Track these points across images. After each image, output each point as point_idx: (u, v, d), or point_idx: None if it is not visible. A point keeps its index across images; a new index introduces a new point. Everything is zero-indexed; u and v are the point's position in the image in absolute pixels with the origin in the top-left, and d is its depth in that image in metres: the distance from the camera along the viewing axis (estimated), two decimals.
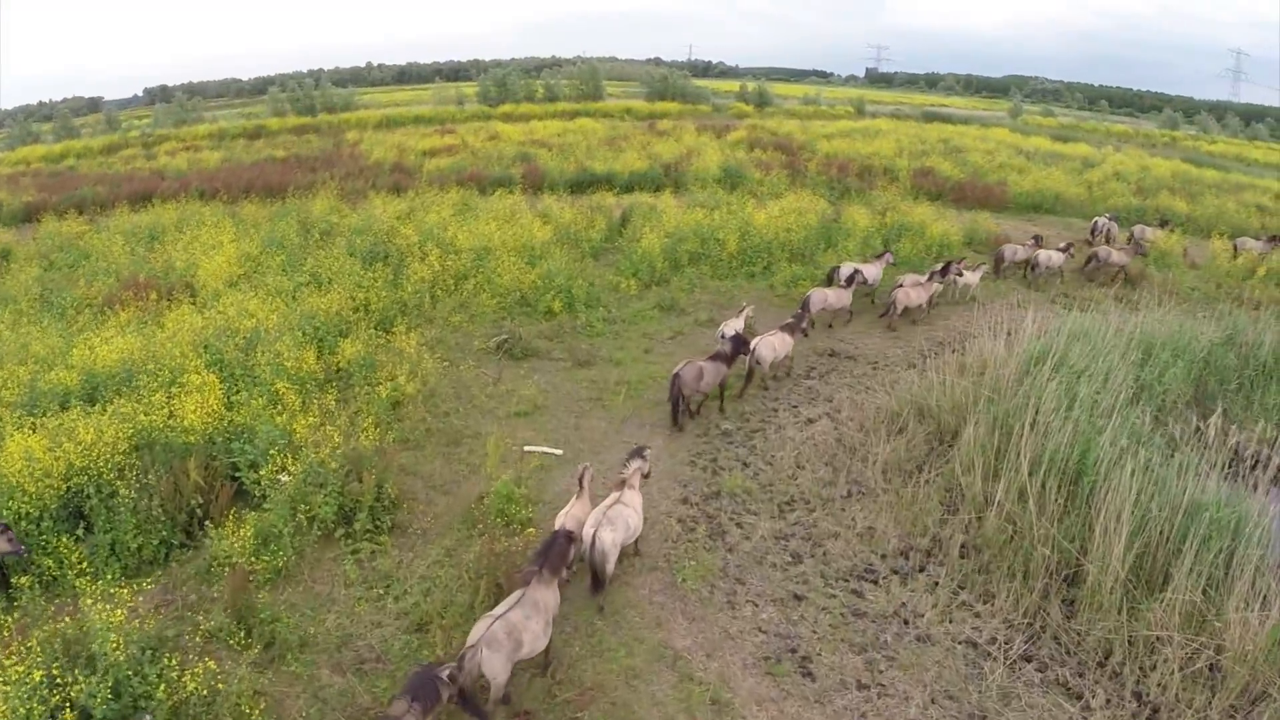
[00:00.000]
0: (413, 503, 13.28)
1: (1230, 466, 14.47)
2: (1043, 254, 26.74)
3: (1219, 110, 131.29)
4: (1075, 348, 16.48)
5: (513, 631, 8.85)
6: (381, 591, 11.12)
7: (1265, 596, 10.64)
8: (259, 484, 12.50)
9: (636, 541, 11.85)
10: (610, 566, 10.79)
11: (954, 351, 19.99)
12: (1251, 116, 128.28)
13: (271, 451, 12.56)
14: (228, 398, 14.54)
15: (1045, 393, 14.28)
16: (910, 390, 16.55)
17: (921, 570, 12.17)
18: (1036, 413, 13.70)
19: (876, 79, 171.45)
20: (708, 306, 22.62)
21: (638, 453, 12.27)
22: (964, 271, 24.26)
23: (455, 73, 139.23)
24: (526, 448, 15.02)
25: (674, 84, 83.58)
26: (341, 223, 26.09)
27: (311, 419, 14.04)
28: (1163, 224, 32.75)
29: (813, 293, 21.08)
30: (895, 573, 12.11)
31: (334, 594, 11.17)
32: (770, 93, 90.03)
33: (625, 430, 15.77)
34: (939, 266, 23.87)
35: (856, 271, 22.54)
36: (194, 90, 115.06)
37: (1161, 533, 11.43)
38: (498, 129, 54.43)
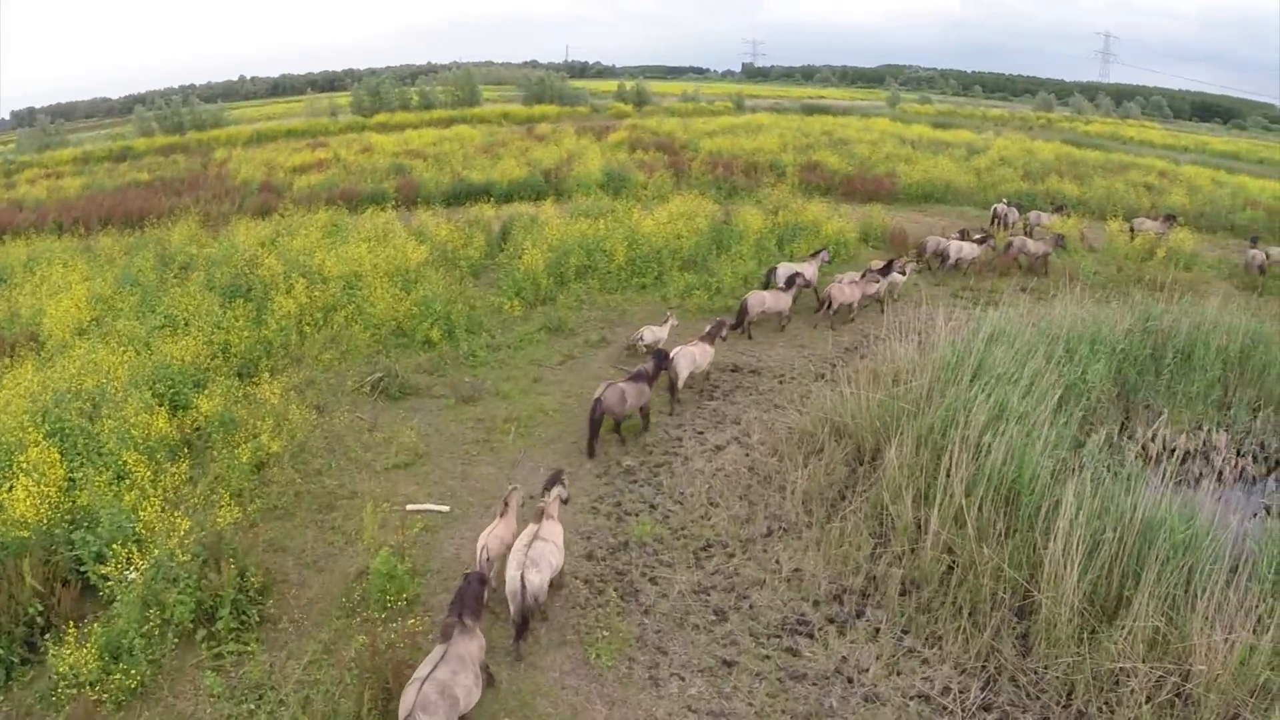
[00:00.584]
0: (283, 586, 11.68)
1: (1158, 463, 14.09)
2: (954, 245, 26.66)
3: (1090, 91, 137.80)
4: (994, 350, 15.96)
5: (445, 690, 8.28)
6: (253, 707, 9.55)
7: (1228, 612, 10.10)
8: (107, 580, 10.76)
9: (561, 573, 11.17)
10: (537, 608, 10.37)
11: (863, 358, 19.44)
12: (1122, 96, 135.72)
13: (114, 545, 10.81)
14: (69, 475, 12.66)
15: (973, 404, 13.62)
16: (823, 406, 15.74)
17: (859, 616, 11.27)
18: (965, 426, 13.01)
19: (753, 73, 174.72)
20: (598, 325, 21.53)
21: (555, 479, 11.74)
22: (906, 269, 24.27)
23: (331, 83, 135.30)
24: (409, 507, 13.59)
25: (551, 86, 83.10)
26: (201, 254, 24.01)
27: (163, 495, 12.31)
28: (1058, 209, 33.21)
29: (750, 296, 20.76)
30: (831, 621, 11.17)
31: (198, 713, 9.58)
32: (649, 91, 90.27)
33: (517, 475, 14.49)
34: (880, 264, 23.74)
35: (798, 274, 22.18)
36: (61, 112, 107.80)
37: (1115, 555, 10.80)
38: (371, 140, 52.53)
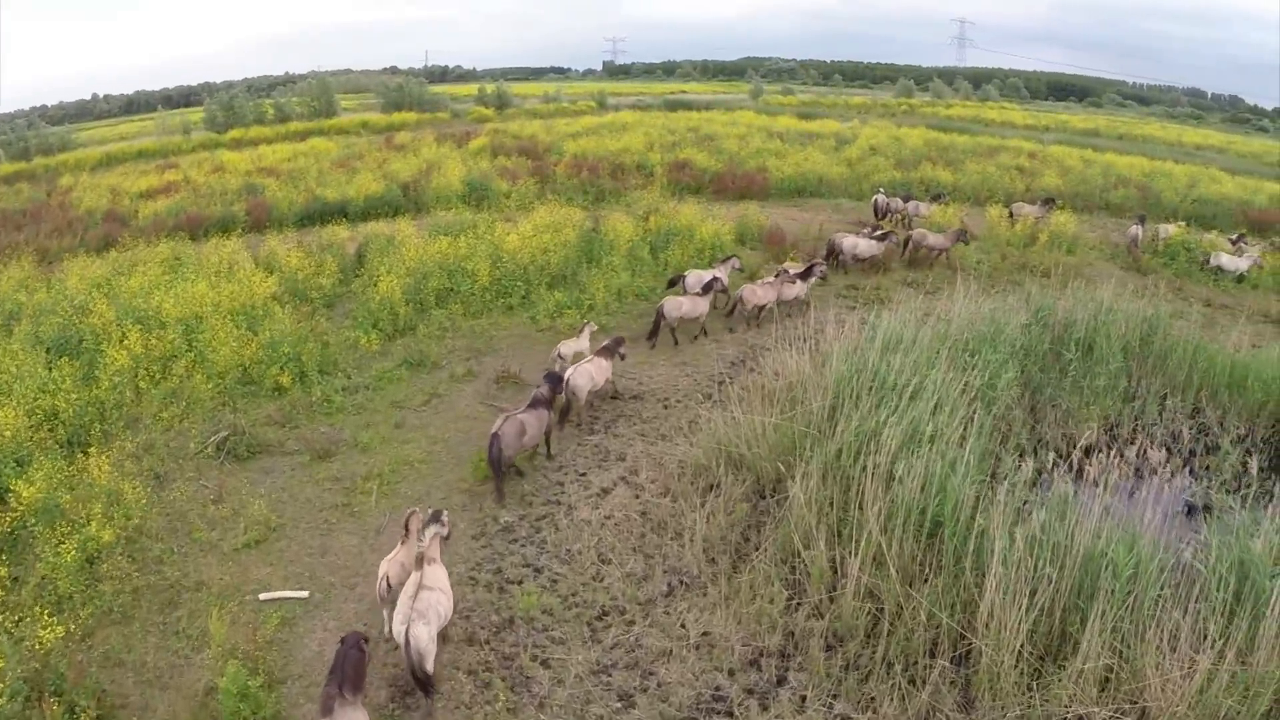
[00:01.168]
0: (123, 713, 9.92)
1: (1079, 475, 13.56)
2: (847, 241, 26.20)
3: (948, 76, 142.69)
4: (893, 359, 15.24)
5: None
6: None
7: (1181, 639, 9.46)
8: None
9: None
10: (430, 664, 9.49)
11: (752, 371, 18.61)
12: (980, 79, 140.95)
13: None
14: None
15: (881, 426, 12.82)
16: (715, 434, 14.73)
17: (780, 683, 10.23)
18: (875, 452, 12.17)
19: (615, 71, 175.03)
20: (463, 355, 20.06)
21: (434, 517, 10.89)
22: (824, 273, 24.02)
23: (187, 98, 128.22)
24: (262, 597, 11.93)
25: (410, 93, 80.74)
26: (31, 301, 21.45)
27: None
28: (936, 198, 33.27)
29: (666, 302, 20.29)
30: (750, 693, 10.09)
31: None
32: (510, 94, 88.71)
33: (383, 543, 12.98)
34: (800, 268, 23.28)
35: (716, 279, 21.63)
36: None
37: (1056, 589, 10.05)
38: (223, 159, 49.11)
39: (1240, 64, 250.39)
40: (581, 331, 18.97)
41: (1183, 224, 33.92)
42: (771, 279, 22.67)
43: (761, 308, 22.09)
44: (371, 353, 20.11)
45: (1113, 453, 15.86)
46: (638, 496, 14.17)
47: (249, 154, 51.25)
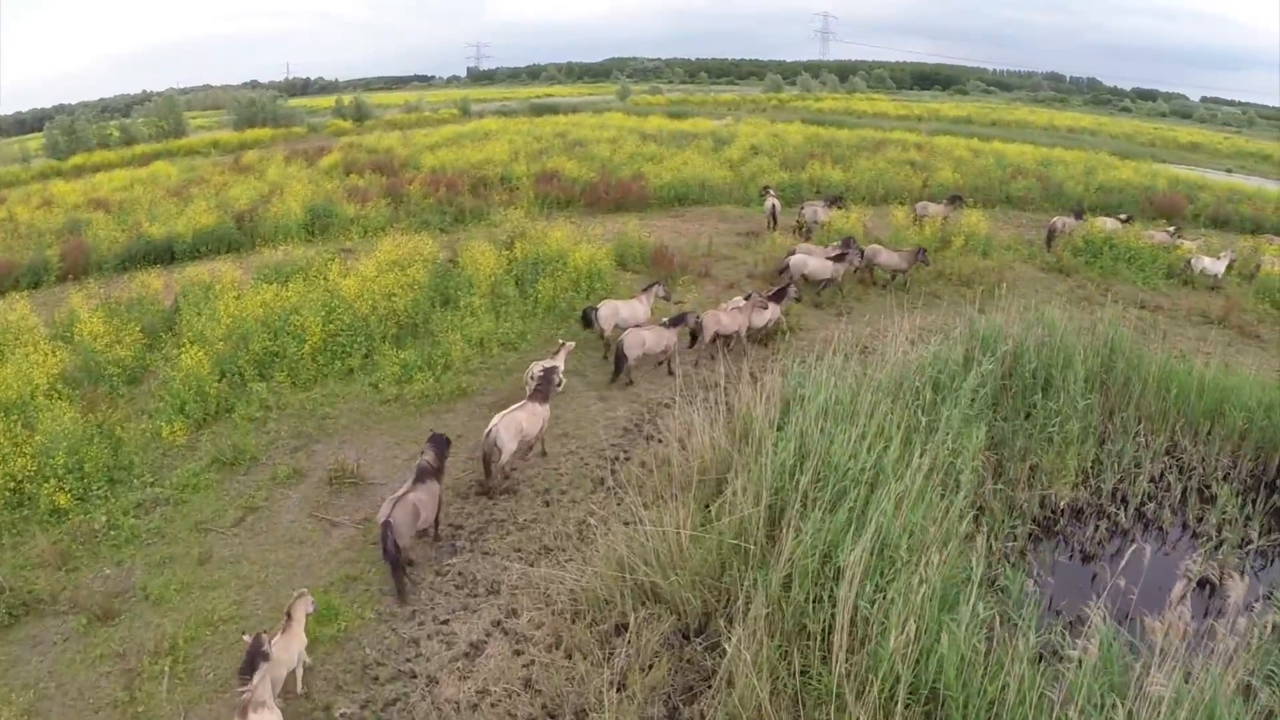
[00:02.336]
0: None
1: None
2: (795, 259, 23.09)
3: (814, 69, 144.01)
4: (835, 431, 11.90)
5: None
6: None
7: None
8: None
9: None
10: None
11: (651, 440, 15.08)
12: (846, 72, 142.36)
13: None
14: None
15: (841, 541, 9.37)
16: (615, 551, 11.04)
17: None
18: (836, 582, 8.75)
19: (479, 77, 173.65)
20: (289, 445, 15.66)
21: (255, 653, 8.79)
22: (799, 294, 21.60)
23: (40, 122, 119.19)
24: None
25: (264, 107, 74.90)
26: None
27: None
28: (833, 201, 30.12)
29: (627, 336, 17.53)
30: None
31: None
32: (368, 104, 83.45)
33: None
34: (771, 290, 20.65)
35: (689, 313, 18.90)
36: None
37: None
38: (54, 190, 42.50)
39: (1098, 47, 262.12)
40: (559, 351, 16.55)
41: (1123, 216, 31.88)
42: (740, 302, 19.70)
43: (728, 338, 19.18)
44: (177, 446, 15.58)
45: (1098, 515, 13.48)
46: (520, 652, 10.31)
47: (84, 183, 44.83)
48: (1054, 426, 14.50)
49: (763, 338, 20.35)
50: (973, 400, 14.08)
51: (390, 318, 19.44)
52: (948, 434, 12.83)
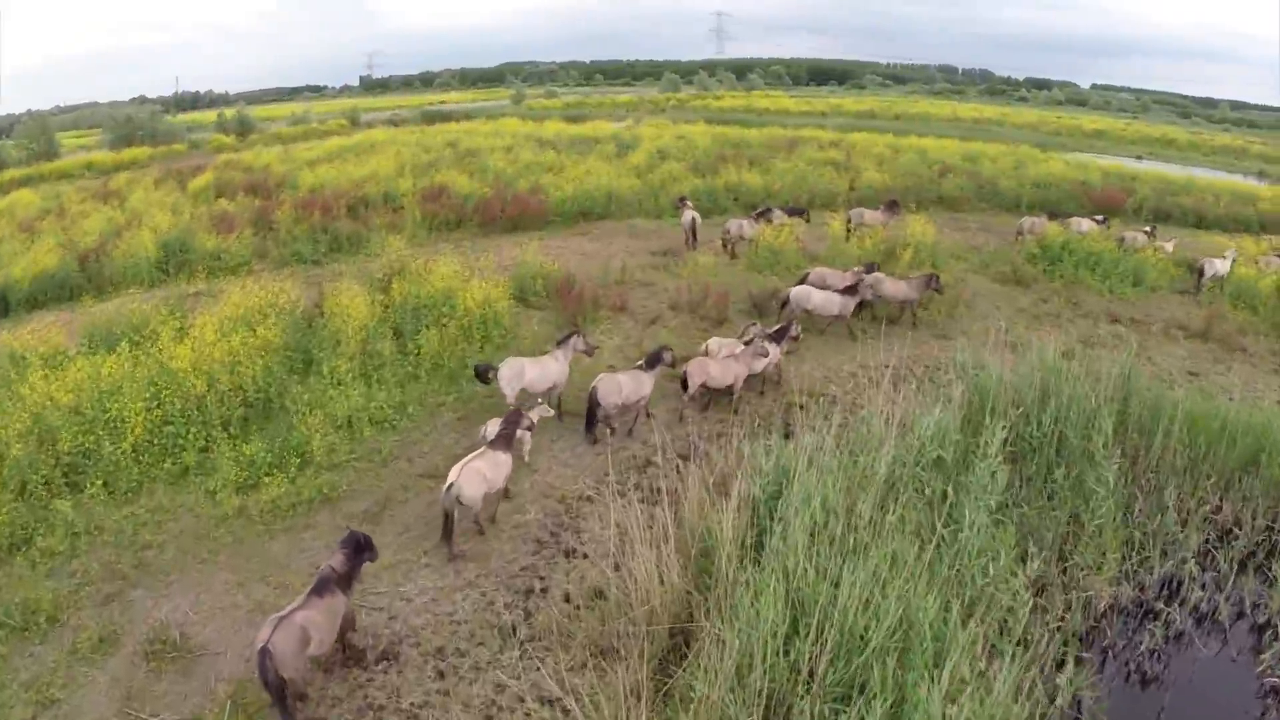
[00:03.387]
0: None
1: None
2: (798, 291, 19.64)
3: (710, 68, 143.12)
4: (847, 572, 8.47)
5: None
6: None
7: None
8: None
9: None
10: None
11: (574, 558, 11.53)
12: (742, 69, 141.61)
13: None
14: None
15: None
16: None
17: None
18: None
19: (372, 85, 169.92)
20: (99, 593, 11.15)
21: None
22: (799, 333, 18.34)
23: None
24: None
25: (141, 124, 68.41)
26: None
27: None
28: (761, 214, 26.70)
29: (600, 382, 14.56)
30: None
31: None
32: (252, 118, 77.36)
33: None
34: (772, 329, 17.35)
35: (665, 349, 15.84)
36: None
37: None
38: None
39: (987, 39, 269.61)
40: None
41: (1099, 218, 29.50)
42: (735, 346, 16.44)
43: (726, 390, 16.04)
44: None
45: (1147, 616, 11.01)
46: None
47: None
48: (1084, 507, 11.32)
49: (760, 386, 17.12)
50: (988, 486, 10.72)
51: (235, 394, 15.26)
52: (973, 544, 9.51)
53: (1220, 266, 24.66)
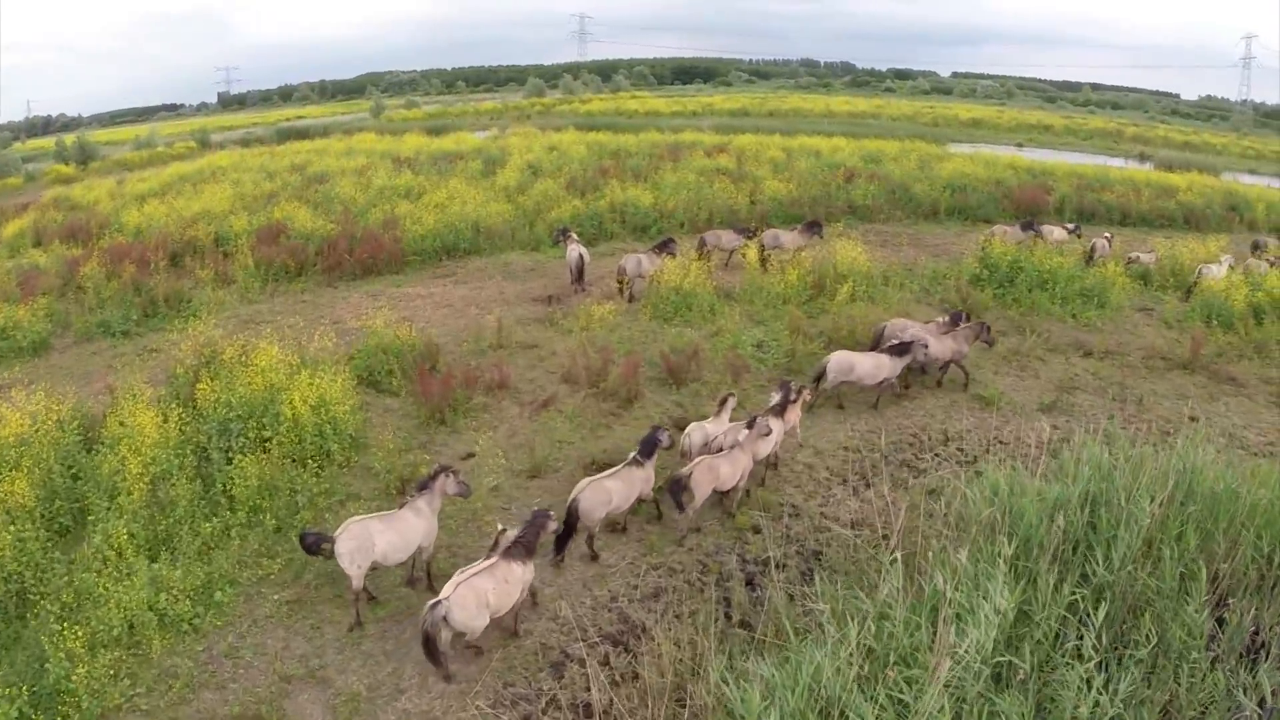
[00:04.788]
0: None
1: None
2: (837, 361, 15.35)
3: (574, 70, 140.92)
4: None
5: None
6: None
7: None
8: None
9: None
10: None
11: None
12: (606, 71, 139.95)
13: None
14: None
15: None
16: None
17: None
18: None
19: (229, 102, 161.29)
20: None
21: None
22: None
23: None
24: None
25: None
26: None
27: None
28: (662, 247, 21.82)
29: (584, 493, 11.06)
30: None
31: None
32: (94, 144, 68.36)
33: None
34: (775, 403, 13.50)
35: (660, 431, 12.25)
36: None
37: None
38: None
39: (847, 33, 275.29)
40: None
41: (1070, 226, 26.98)
42: (741, 432, 12.47)
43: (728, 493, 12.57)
44: None
45: None
46: None
47: None
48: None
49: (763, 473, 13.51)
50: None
51: None
52: None
53: (1216, 271, 21.81)
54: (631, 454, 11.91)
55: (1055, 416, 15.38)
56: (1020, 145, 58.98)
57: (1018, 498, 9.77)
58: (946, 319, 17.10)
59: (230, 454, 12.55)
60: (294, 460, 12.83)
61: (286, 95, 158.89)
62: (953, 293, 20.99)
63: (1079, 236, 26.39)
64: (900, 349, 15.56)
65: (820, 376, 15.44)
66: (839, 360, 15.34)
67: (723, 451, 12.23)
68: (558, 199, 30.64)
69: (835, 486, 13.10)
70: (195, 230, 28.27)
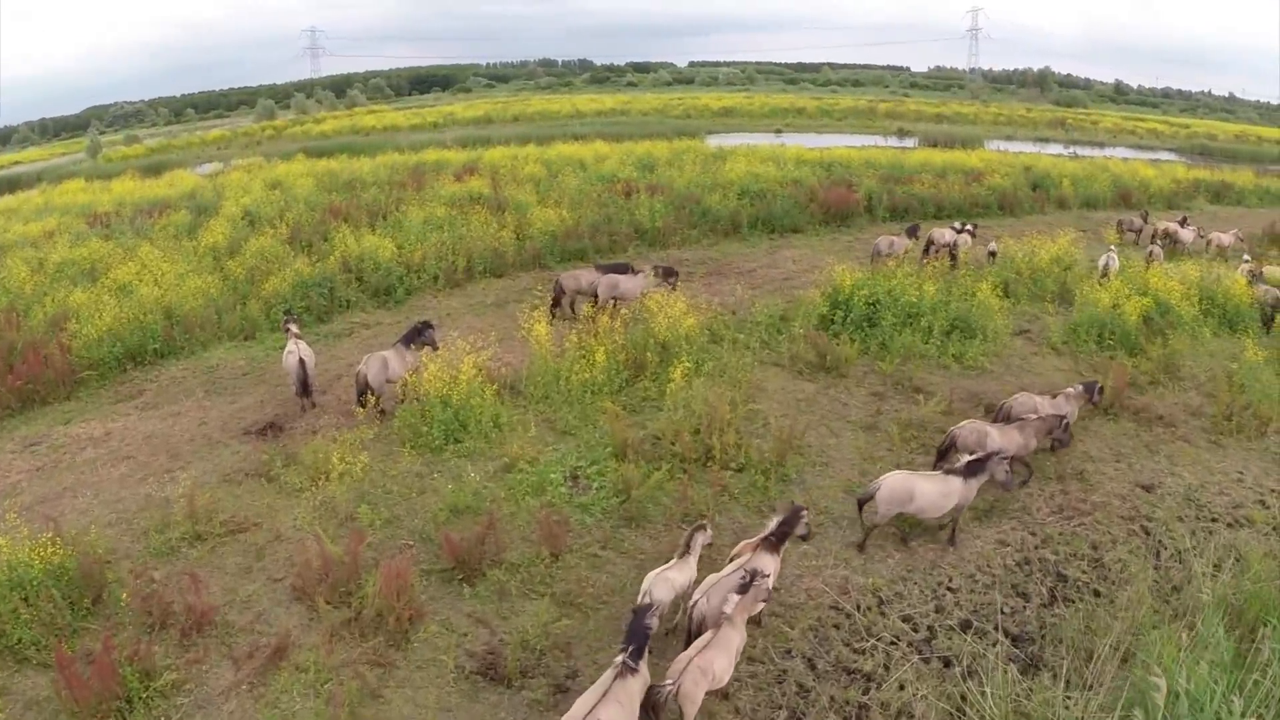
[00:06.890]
0: None
1: None
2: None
3: (307, 88, 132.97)
4: None
5: None
6: None
7: None
8: None
9: None
10: None
11: None
12: (340, 86, 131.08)
13: None
14: None
15: None
16: None
17: None
18: None
19: None
20: None
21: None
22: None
23: None
24: None
25: None
26: None
27: None
28: (414, 336, 15.22)
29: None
30: None
31: None
32: None
33: None
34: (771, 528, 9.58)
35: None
36: None
37: None
38: None
39: (584, 30, 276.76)
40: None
41: (958, 225, 23.46)
42: (734, 584, 8.68)
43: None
44: None
45: None
46: None
47: None
48: None
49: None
50: None
51: None
52: None
53: (1114, 265, 19.03)
54: (618, 657, 7.74)
55: (990, 532, 10.65)
56: (779, 132, 56.39)
57: None
58: (1080, 387, 13.34)
59: None
60: None
61: (5, 139, 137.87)
62: (801, 344, 15.84)
63: (973, 234, 22.84)
64: (975, 465, 10.75)
65: (870, 495, 10.54)
66: (893, 486, 10.37)
67: (708, 634, 8.26)
68: (277, 259, 23.00)
69: None
70: None
